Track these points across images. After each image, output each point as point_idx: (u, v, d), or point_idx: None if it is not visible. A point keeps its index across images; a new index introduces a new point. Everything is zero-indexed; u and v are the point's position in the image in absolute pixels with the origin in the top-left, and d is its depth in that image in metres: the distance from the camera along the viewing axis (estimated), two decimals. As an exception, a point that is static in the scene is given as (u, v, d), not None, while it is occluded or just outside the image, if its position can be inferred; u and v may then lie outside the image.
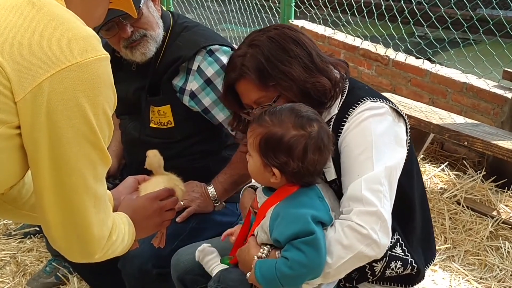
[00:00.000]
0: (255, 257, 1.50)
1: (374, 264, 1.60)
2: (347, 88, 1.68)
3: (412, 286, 1.71)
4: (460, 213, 3.27)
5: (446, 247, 3.02)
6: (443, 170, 3.67)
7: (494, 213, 3.23)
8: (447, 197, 3.38)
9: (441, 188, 3.50)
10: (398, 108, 1.65)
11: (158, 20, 2.09)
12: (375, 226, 1.43)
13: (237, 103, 1.75)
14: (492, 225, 3.11)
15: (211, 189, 2.15)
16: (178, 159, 2.18)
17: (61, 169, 1.08)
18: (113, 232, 1.24)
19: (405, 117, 1.66)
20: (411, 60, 4.46)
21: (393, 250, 1.63)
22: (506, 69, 4.08)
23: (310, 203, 1.47)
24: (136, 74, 2.17)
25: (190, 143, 2.20)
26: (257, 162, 1.51)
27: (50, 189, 1.10)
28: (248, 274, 1.52)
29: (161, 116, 2.15)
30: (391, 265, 1.63)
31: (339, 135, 1.59)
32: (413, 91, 4.39)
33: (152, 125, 2.18)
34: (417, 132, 3.75)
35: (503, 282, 2.77)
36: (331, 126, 1.60)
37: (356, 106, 1.59)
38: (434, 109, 3.80)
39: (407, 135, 1.66)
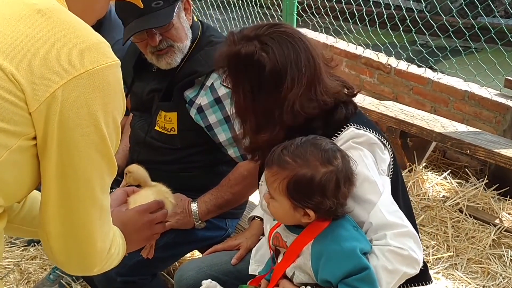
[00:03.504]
0: None
1: None
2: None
3: (423, 283, 1.70)
4: (462, 221, 3.27)
5: (449, 255, 3.02)
6: (445, 178, 3.67)
7: (497, 221, 3.23)
8: (449, 205, 3.38)
9: (443, 196, 3.50)
10: (381, 136, 1.64)
11: (187, 31, 2.12)
12: (411, 244, 1.43)
13: None
14: (494, 233, 3.11)
15: (194, 207, 2.15)
16: (174, 165, 2.22)
17: (68, 178, 1.06)
18: (112, 245, 1.22)
19: (388, 145, 1.66)
20: (413, 69, 4.47)
21: None
22: (508, 77, 4.09)
23: (351, 236, 1.40)
24: (155, 76, 2.22)
25: (189, 153, 2.22)
26: (285, 205, 1.42)
27: (56, 199, 1.08)
28: None
29: (167, 121, 2.17)
30: None
31: None
32: (415, 99, 4.40)
33: (156, 128, 2.21)
34: (419, 140, 3.76)
35: (506, 290, 2.78)
36: None
37: (339, 133, 1.59)
38: (436, 117, 3.81)
39: (390, 160, 1.65)
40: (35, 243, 3.10)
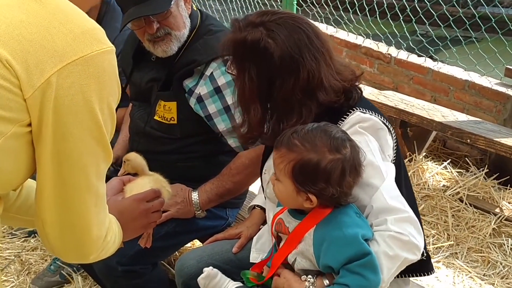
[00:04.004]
0: None
1: None
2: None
3: (425, 274, 1.69)
4: (463, 210, 3.27)
5: (449, 244, 3.03)
6: (445, 167, 3.67)
7: (497, 210, 3.23)
8: (449, 195, 3.39)
9: (443, 186, 3.50)
10: (386, 121, 1.64)
11: (185, 20, 2.11)
12: (411, 230, 1.43)
13: None
14: (495, 222, 3.12)
15: (195, 196, 2.15)
16: (173, 155, 2.22)
17: (63, 165, 1.06)
18: (108, 232, 1.22)
19: (391, 130, 1.66)
20: (413, 58, 4.46)
21: None
22: (508, 66, 4.09)
23: (354, 222, 1.41)
24: (154, 65, 2.22)
25: (189, 143, 2.22)
26: (289, 188, 1.43)
27: (51, 186, 1.08)
28: None
29: (166, 111, 2.17)
30: None
31: None
32: (415, 89, 4.40)
33: (156, 117, 2.21)
34: (420, 130, 3.76)
35: (506, 278, 2.78)
36: None
37: (346, 117, 1.59)
38: (437, 106, 3.81)
39: (393, 145, 1.66)
40: (36, 234, 3.10)
